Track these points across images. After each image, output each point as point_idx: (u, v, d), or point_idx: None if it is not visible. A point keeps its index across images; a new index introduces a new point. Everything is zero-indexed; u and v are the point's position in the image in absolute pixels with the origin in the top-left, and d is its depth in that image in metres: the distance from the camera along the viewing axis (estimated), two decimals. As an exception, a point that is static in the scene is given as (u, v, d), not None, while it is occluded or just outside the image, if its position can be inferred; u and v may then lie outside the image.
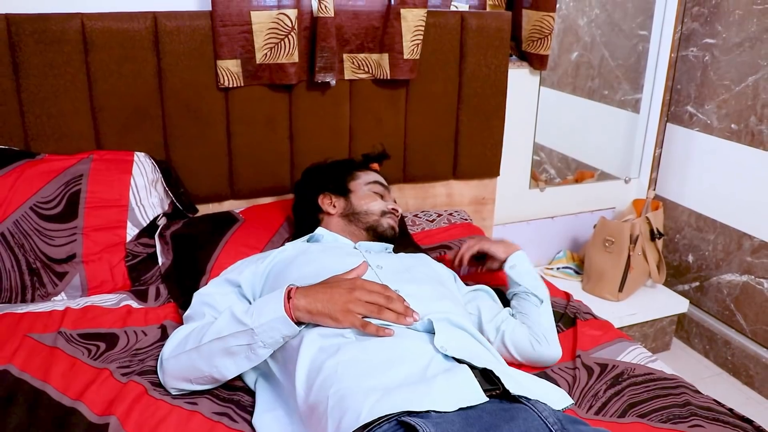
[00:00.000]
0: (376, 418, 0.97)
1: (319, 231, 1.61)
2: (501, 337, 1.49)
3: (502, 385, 1.07)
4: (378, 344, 1.16)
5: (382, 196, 1.70)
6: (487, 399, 1.04)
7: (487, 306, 1.55)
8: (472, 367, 1.10)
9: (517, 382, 1.09)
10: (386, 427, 0.96)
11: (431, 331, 1.20)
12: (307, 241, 1.59)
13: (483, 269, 1.75)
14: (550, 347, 1.48)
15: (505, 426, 0.98)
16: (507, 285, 1.65)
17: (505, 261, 1.63)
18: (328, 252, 1.48)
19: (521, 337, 1.47)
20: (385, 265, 1.42)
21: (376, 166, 1.86)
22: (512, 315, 1.55)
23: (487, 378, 1.09)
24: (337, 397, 1.05)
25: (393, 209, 1.69)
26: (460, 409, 1.01)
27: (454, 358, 1.15)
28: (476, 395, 1.04)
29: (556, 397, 1.14)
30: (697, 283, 2.72)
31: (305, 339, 1.17)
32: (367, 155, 1.88)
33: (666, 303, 2.61)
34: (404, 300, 1.23)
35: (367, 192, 1.69)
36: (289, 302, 1.17)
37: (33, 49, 1.71)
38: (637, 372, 1.46)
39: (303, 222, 1.74)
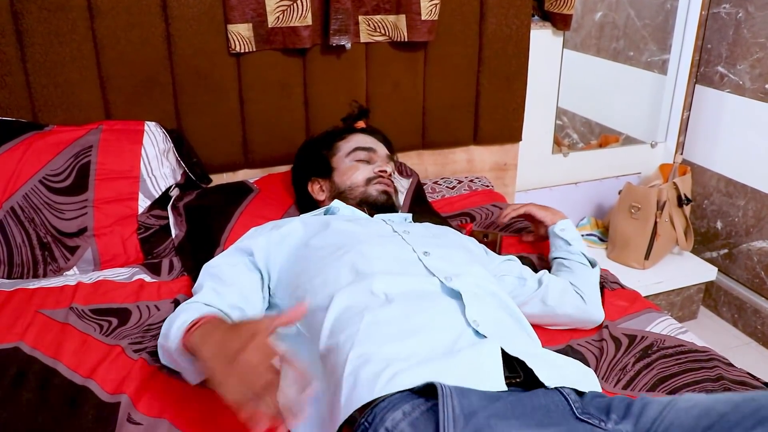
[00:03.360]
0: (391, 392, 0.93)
1: (336, 203, 1.53)
2: (544, 291, 1.44)
3: (527, 373, 1.01)
4: (408, 309, 1.09)
5: (368, 161, 1.60)
6: (506, 389, 0.98)
7: (525, 268, 1.51)
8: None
9: (551, 369, 1.03)
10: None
11: (460, 298, 1.13)
12: (325, 213, 1.53)
13: (525, 237, 1.72)
14: (596, 308, 1.47)
15: (526, 399, 0.95)
16: (549, 250, 1.64)
17: (550, 226, 1.64)
18: (352, 222, 1.40)
19: (565, 293, 1.44)
20: (411, 230, 1.37)
21: (362, 124, 1.74)
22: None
23: (510, 364, 1.03)
24: (355, 365, 0.99)
25: (379, 172, 1.58)
26: None
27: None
28: (497, 383, 0.98)
29: (586, 383, 1.08)
30: (726, 251, 2.64)
31: (335, 298, 1.12)
32: (346, 117, 1.77)
33: (693, 271, 2.53)
34: (277, 405, 0.84)
35: (349, 164, 1.59)
36: (188, 332, 1.03)
37: (37, 16, 1.65)
38: (667, 344, 1.40)
39: (308, 209, 1.65)
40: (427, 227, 1.46)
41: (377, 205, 1.55)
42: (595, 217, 2.72)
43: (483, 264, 1.38)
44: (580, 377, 1.08)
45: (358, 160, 1.59)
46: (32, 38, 1.66)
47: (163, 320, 1.39)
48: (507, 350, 1.04)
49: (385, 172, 1.59)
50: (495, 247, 1.74)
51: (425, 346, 1.02)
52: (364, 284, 1.15)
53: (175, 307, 1.44)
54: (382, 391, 0.93)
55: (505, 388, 0.98)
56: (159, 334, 1.33)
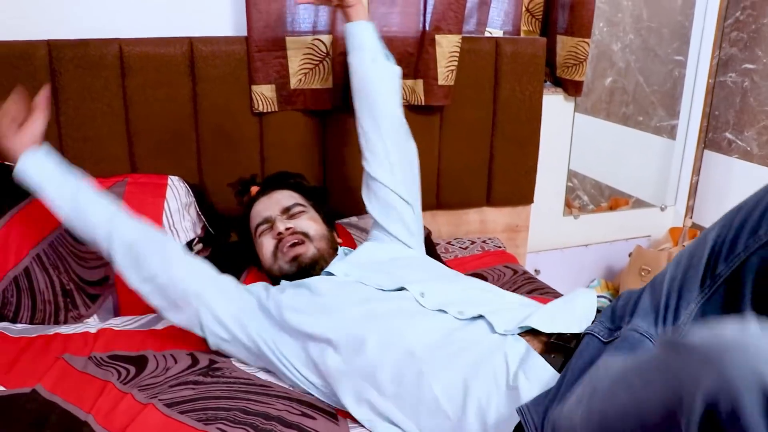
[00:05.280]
0: None
1: (282, 284, 1.52)
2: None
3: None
4: (450, 359, 1.20)
5: (270, 227, 1.56)
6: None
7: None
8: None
9: (571, 318, 1.21)
10: None
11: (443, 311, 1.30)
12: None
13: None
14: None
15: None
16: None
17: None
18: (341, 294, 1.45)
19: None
20: (365, 274, 1.46)
21: (255, 189, 1.72)
22: None
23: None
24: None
25: (277, 237, 1.53)
26: None
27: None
28: (549, 372, 1.11)
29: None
30: (737, 315, 2.64)
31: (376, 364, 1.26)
32: (238, 199, 1.76)
33: (704, 335, 2.52)
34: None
35: (260, 246, 1.58)
36: None
37: (72, 74, 1.73)
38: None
39: None
40: (375, 259, 1.54)
41: (293, 275, 1.52)
42: (606, 279, 2.74)
43: (433, 269, 1.58)
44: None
45: (260, 234, 1.58)
46: (66, 94, 1.74)
47: (181, 372, 1.41)
48: (542, 329, 1.18)
49: (281, 234, 1.52)
50: None
51: (489, 383, 1.13)
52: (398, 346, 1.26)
53: (192, 359, 1.46)
54: None
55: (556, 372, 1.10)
56: (176, 385, 1.35)
